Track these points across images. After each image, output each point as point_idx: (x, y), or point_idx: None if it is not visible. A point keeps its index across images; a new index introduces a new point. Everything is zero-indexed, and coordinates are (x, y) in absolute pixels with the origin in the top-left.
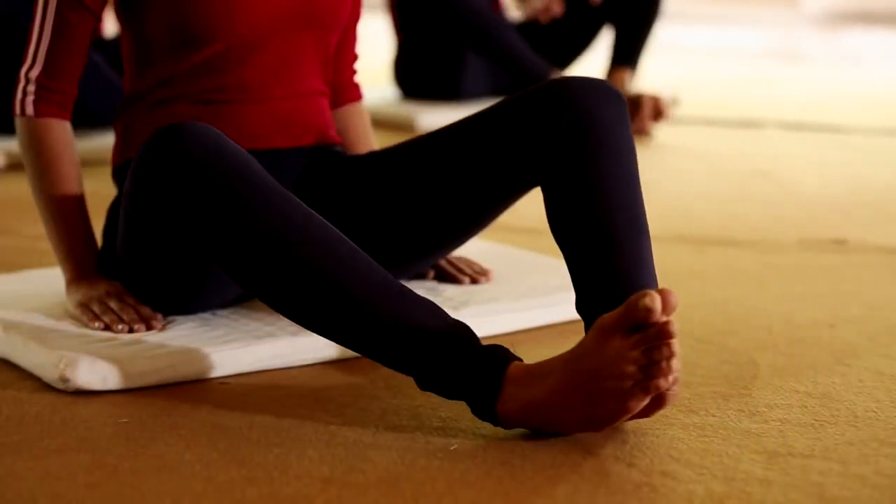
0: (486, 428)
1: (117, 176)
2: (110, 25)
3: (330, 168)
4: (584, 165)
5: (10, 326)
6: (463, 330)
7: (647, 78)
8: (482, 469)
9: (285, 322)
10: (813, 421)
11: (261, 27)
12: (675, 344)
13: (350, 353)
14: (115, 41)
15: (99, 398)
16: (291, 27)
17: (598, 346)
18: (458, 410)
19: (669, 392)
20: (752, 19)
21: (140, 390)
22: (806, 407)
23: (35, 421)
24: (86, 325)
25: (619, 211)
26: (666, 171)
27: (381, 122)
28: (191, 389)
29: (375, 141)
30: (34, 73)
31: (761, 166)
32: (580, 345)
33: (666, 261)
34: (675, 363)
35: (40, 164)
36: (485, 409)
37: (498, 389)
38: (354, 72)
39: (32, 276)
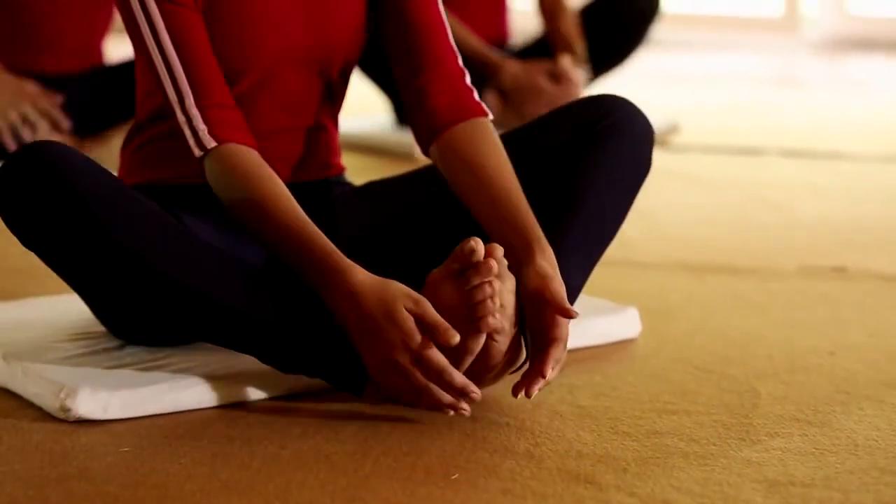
0: (487, 458)
1: None
2: None
3: (333, 201)
4: (594, 163)
5: (10, 355)
6: (313, 315)
7: (647, 105)
8: (483, 499)
9: None
10: (813, 449)
11: (266, 61)
12: (497, 283)
13: None
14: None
15: (100, 427)
16: (297, 62)
17: (433, 300)
18: (459, 441)
19: (494, 343)
20: (752, 45)
21: (141, 419)
22: (806, 435)
23: (36, 450)
24: None
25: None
26: (666, 199)
27: (378, 150)
28: (192, 418)
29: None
30: (189, 103)
31: (762, 193)
32: None
33: (666, 288)
34: (497, 300)
35: (247, 186)
36: (351, 390)
37: (364, 384)
38: (470, 89)
39: (33, 304)
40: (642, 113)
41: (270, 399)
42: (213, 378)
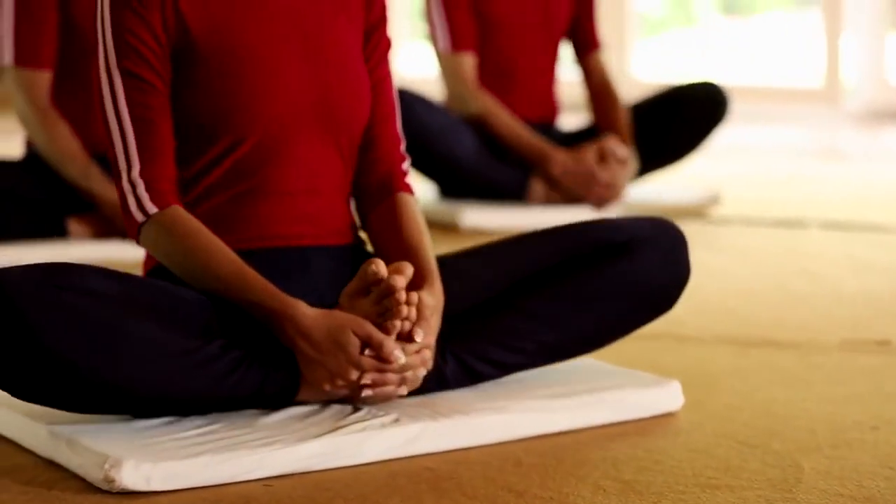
0: None
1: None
2: None
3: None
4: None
5: (55, 425)
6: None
7: (688, 177)
8: None
9: (327, 422)
10: None
11: (275, 123)
12: (402, 295)
13: (391, 454)
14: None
15: (143, 499)
16: (307, 125)
17: (350, 310)
18: None
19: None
20: (794, 117)
21: (184, 491)
22: None
23: None
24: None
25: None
26: (708, 271)
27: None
28: (234, 491)
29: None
30: (135, 172)
31: (803, 265)
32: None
33: (708, 361)
34: (404, 309)
35: (186, 246)
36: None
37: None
38: (404, 172)
39: None
40: (682, 253)
41: (314, 471)
42: (254, 450)
